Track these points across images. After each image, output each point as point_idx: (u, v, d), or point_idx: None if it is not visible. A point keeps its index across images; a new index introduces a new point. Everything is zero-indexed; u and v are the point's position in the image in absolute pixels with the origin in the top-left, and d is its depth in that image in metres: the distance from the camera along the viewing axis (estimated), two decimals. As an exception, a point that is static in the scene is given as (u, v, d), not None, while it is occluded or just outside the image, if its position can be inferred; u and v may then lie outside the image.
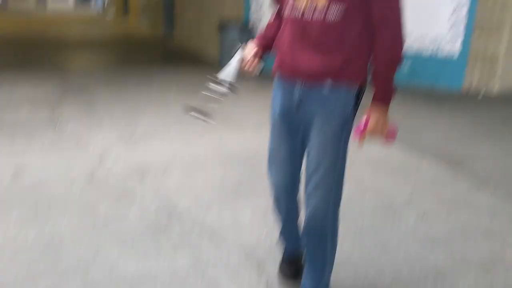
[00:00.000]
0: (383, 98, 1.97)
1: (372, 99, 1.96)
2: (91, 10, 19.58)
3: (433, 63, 7.16)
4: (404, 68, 7.19)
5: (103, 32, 12.88)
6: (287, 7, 2.05)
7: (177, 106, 5.70)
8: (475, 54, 6.89)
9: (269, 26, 2.28)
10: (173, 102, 5.94)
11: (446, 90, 7.04)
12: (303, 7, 2.01)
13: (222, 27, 7.79)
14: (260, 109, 5.61)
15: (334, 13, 1.97)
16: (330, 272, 2.09)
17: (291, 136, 2.08)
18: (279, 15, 2.24)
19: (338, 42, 1.98)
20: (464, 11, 6.82)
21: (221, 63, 8.05)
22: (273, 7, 2.28)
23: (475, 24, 6.79)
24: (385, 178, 3.70)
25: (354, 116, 1.99)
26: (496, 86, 6.95)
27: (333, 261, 2.09)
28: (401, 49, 2.00)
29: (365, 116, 1.94)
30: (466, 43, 6.91)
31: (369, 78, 2.00)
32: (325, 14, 1.97)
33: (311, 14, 1.99)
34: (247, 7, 8.08)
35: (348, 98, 1.97)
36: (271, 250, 2.54)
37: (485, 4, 6.68)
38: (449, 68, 7.09)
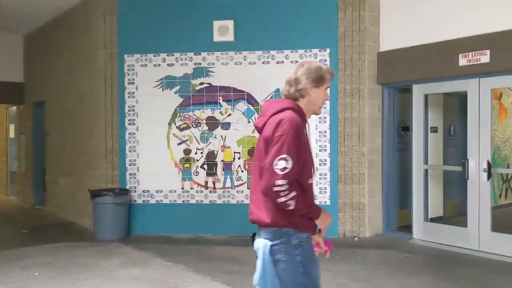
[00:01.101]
0: None
1: None
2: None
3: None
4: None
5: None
6: (311, 176, 2.71)
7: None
8: (343, 203, 7.37)
9: (307, 197, 2.66)
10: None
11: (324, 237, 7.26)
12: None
13: (96, 195, 7.52)
14: None
15: None
16: None
17: None
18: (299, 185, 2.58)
19: None
20: (327, 166, 7.43)
21: (95, 232, 7.58)
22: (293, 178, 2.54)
23: (338, 177, 7.39)
24: None
25: None
26: (367, 231, 7.38)
27: None
28: None
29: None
30: (334, 194, 7.40)
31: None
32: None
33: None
34: (122, 172, 7.99)
35: None
36: None
37: (344, 160, 7.36)
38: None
